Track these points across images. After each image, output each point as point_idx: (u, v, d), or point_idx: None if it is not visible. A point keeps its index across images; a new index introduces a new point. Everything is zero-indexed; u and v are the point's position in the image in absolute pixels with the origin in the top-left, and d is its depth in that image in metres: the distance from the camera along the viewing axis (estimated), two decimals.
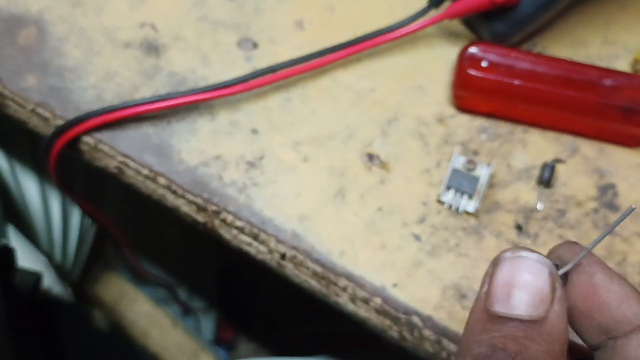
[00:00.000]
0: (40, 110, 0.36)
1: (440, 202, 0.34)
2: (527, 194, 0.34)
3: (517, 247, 0.19)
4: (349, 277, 0.32)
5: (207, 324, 0.77)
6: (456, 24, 0.38)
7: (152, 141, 0.35)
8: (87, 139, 0.36)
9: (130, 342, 0.61)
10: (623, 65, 0.37)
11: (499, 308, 0.18)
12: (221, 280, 0.80)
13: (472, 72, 0.34)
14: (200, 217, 0.34)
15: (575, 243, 0.20)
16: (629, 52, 0.38)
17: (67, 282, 0.58)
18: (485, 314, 0.18)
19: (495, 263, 0.19)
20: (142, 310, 0.65)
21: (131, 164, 0.35)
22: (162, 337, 0.64)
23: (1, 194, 0.48)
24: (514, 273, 0.18)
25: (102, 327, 0.57)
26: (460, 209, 0.33)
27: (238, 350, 0.81)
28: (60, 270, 0.57)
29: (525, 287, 0.18)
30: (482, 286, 0.19)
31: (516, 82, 0.34)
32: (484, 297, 0.18)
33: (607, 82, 0.33)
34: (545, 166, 0.34)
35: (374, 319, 0.32)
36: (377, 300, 0.32)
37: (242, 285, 0.81)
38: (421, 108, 0.36)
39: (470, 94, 0.35)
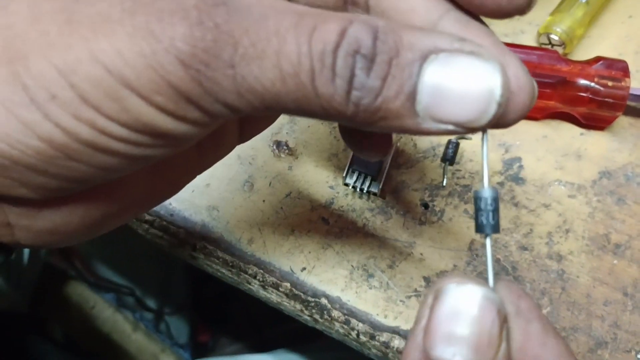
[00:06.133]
0: None
1: (346, 185, 0.34)
2: (433, 172, 0.34)
3: (462, 276, 0.16)
4: (258, 264, 0.33)
5: (182, 328, 0.77)
6: None
7: None
8: None
9: (86, 350, 0.61)
10: (529, 39, 0.38)
11: (439, 352, 0.15)
12: (193, 285, 0.80)
13: None
14: None
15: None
16: (533, 26, 0.38)
17: (21, 293, 0.58)
18: (424, 358, 0.15)
19: (436, 294, 0.16)
20: (101, 316, 0.65)
21: None
22: (121, 341, 0.64)
23: None
24: (458, 309, 0.15)
25: (57, 338, 0.57)
26: (365, 191, 0.33)
27: (222, 353, 0.80)
28: (12, 284, 0.57)
29: (470, 328, 0.15)
30: (419, 319, 0.16)
31: None
32: (422, 335, 0.15)
33: None
34: (449, 143, 0.34)
35: (286, 303, 0.33)
36: (287, 285, 0.32)
37: (216, 288, 0.81)
38: None
39: None
